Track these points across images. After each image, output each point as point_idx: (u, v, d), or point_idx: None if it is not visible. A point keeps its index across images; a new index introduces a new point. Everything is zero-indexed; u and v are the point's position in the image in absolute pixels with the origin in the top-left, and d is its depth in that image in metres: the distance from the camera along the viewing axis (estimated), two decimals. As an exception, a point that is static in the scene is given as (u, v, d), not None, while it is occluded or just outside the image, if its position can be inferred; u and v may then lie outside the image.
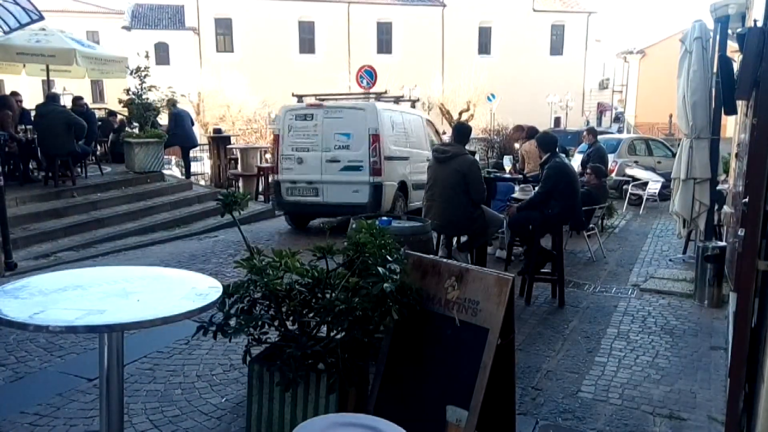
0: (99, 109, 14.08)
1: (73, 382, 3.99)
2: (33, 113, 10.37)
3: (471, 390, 2.74)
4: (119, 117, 13.65)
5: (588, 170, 8.62)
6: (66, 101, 13.65)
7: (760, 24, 3.24)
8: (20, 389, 3.94)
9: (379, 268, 2.92)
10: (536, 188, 6.41)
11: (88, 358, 4.35)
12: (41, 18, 9.38)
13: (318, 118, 8.88)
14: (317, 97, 9.88)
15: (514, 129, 12.22)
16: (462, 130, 6.23)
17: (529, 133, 9.46)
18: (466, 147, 6.36)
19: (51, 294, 2.33)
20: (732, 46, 6.67)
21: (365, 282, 2.90)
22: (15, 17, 9.26)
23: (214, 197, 10.16)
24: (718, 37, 6.46)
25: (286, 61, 37.50)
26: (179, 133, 12.24)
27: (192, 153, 14.11)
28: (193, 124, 13.19)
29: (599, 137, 12.13)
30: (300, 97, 9.94)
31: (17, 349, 4.55)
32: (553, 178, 5.87)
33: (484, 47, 42.30)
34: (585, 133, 11.74)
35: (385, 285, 2.80)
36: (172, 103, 12.07)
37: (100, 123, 12.66)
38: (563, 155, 6.35)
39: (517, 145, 11.51)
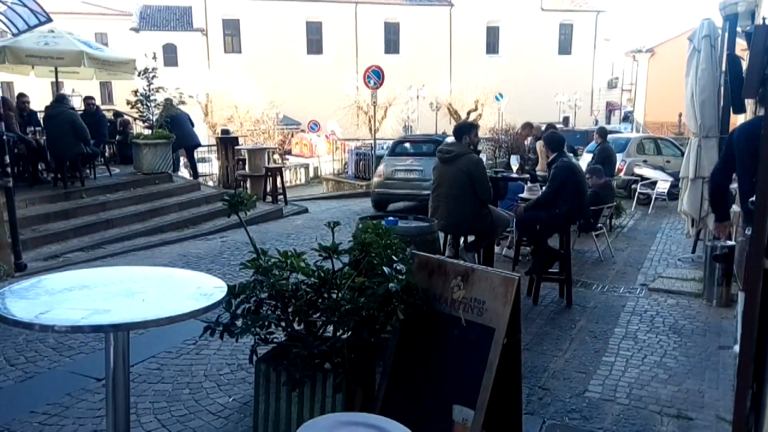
0: (107, 110, 14.00)
1: (82, 381, 4.01)
2: (42, 115, 10.42)
3: (477, 389, 2.74)
4: (125, 117, 13.67)
5: (587, 174, 8.63)
6: (76, 102, 13.69)
7: (768, 21, 3.21)
8: (30, 389, 3.97)
9: (385, 268, 2.92)
10: (543, 188, 6.38)
11: (97, 358, 4.36)
12: (49, 20, 9.42)
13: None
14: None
15: (522, 127, 12.20)
16: (462, 129, 6.16)
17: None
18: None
19: (57, 294, 2.34)
20: (741, 44, 6.63)
21: (371, 282, 2.90)
22: (23, 19, 9.31)
23: (221, 198, 10.17)
24: (726, 35, 6.41)
25: (293, 62, 37.62)
26: (177, 134, 12.18)
27: (200, 154, 14.06)
28: (192, 125, 13.07)
29: (609, 136, 12.11)
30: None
31: (27, 349, 4.59)
32: (561, 178, 5.85)
33: (492, 47, 42.22)
34: (595, 133, 11.72)
35: (391, 285, 2.80)
36: (168, 109, 11.89)
37: (109, 124, 12.66)
38: (571, 155, 6.31)
39: (527, 142, 11.51)
